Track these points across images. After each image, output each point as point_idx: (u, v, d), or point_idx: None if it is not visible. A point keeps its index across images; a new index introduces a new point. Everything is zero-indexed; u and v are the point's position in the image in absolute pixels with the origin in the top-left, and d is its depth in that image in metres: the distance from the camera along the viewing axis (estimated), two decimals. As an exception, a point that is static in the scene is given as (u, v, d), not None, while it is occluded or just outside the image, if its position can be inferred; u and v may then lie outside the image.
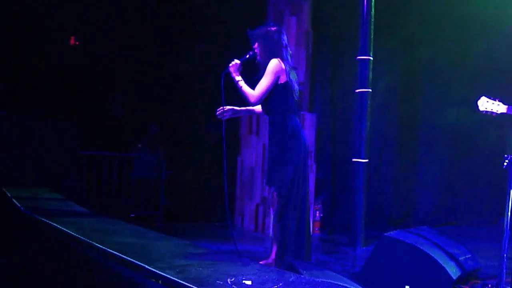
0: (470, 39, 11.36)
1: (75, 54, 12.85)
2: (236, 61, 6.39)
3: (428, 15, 11.50)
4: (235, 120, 10.59)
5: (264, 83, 6.28)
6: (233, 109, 6.65)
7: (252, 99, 6.32)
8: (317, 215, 10.73)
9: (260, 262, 6.20)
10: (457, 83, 11.57)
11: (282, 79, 6.32)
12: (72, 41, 13.21)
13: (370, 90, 9.42)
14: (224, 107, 6.55)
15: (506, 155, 5.51)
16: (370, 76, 9.42)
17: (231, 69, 6.36)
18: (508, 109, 5.89)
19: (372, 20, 9.43)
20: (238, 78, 6.36)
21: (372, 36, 9.44)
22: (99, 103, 13.10)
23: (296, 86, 6.47)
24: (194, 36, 12.43)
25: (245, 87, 6.33)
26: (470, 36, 11.34)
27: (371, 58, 9.44)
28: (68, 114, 11.88)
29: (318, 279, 4.12)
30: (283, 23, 10.34)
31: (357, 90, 9.49)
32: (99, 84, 12.79)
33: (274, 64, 6.29)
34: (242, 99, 6.46)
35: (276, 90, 6.35)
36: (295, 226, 6.29)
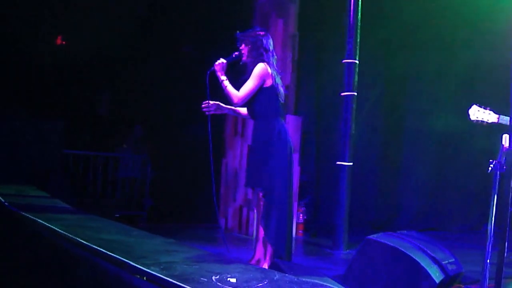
0: (457, 45, 11.43)
1: (61, 54, 12.81)
2: (222, 60, 6.46)
3: (416, 20, 11.53)
4: (220, 121, 10.60)
5: (249, 85, 6.37)
6: (218, 104, 6.67)
7: (235, 100, 6.38)
8: (301, 217, 10.73)
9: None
10: (444, 89, 11.65)
11: (268, 83, 6.42)
12: (59, 41, 13.18)
13: (355, 93, 9.44)
14: (209, 101, 6.58)
15: (491, 160, 5.54)
16: (356, 79, 9.44)
17: (217, 68, 6.42)
18: (498, 118, 5.94)
19: (359, 24, 9.46)
20: (223, 77, 6.42)
21: (358, 40, 9.47)
22: (85, 102, 13.06)
23: (281, 90, 6.54)
24: (180, 37, 12.42)
25: (230, 87, 6.39)
26: (458, 42, 11.41)
27: (357, 62, 9.46)
28: (54, 113, 11.84)
29: (302, 278, 4.14)
30: (270, 26, 10.33)
31: (342, 94, 9.52)
32: (85, 84, 12.75)
33: (260, 68, 6.37)
34: (226, 99, 6.50)
35: (262, 93, 6.44)
36: (280, 226, 6.33)
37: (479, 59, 11.23)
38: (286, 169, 6.41)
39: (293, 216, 6.73)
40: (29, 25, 11.92)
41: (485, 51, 10.91)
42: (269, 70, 6.40)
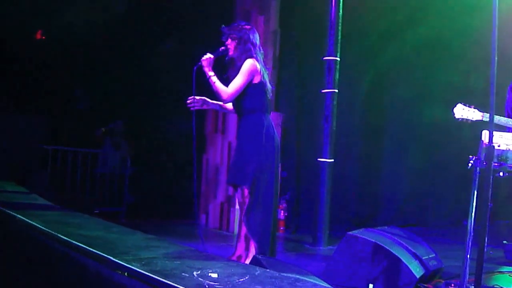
0: (444, 39, 11.47)
1: (41, 48, 12.73)
2: (209, 55, 6.32)
3: (400, 14, 11.54)
4: (200, 118, 10.56)
5: (238, 81, 6.27)
6: (204, 100, 6.57)
7: (225, 96, 6.28)
8: (282, 214, 10.73)
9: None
10: (425, 85, 11.67)
11: (257, 79, 6.34)
12: (38, 36, 13.10)
13: (336, 90, 9.46)
14: (195, 97, 6.51)
15: (470, 156, 5.56)
16: (337, 76, 9.46)
17: (204, 63, 6.28)
18: (483, 116, 5.97)
19: (340, 20, 9.47)
20: (211, 73, 6.29)
21: (339, 37, 9.48)
22: (65, 97, 12.99)
23: (269, 86, 6.48)
24: (161, 34, 12.38)
25: (218, 83, 6.28)
26: (444, 35, 11.45)
27: (338, 59, 9.48)
28: (33, 108, 11.77)
29: (283, 273, 4.14)
30: (251, 22, 10.28)
31: (323, 90, 9.53)
32: (65, 78, 12.67)
33: (249, 64, 6.29)
34: (214, 95, 6.42)
35: (251, 90, 6.35)
36: (266, 223, 6.32)
37: (465, 52, 11.29)
38: (273, 166, 6.39)
39: (277, 213, 6.69)
40: (9, 19, 11.83)
41: (472, 44, 10.95)
42: (258, 66, 6.34)
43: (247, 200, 6.33)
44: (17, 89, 12.23)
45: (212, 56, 6.34)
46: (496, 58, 4.43)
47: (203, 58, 6.30)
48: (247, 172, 6.31)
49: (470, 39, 11.06)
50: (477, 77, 10.90)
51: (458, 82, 11.28)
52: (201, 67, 6.29)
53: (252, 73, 6.30)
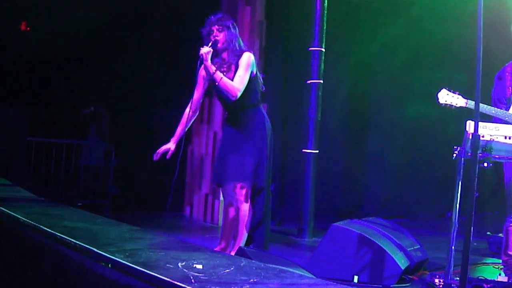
0: (428, 33, 11.51)
1: (24, 39, 12.64)
2: (208, 48, 5.98)
3: (385, 8, 11.56)
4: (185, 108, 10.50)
5: (243, 76, 6.07)
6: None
7: (235, 93, 6.03)
8: (266, 205, 10.70)
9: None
10: (409, 79, 11.70)
11: (253, 73, 6.22)
12: (23, 27, 13.00)
13: (321, 81, 9.46)
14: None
15: (455, 147, 5.56)
16: (322, 67, 9.46)
17: (206, 57, 5.94)
18: (466, 102, 5.95)
19: (326, 11, 9.47)
20: (213, 68, 6.01)
21: (325, 27, 9.48)
22: (48, 89, 12.89)
23: (261, 79, 6.39)
24: (147, 24, 12.31)
25: (226, 79, 6.03)
26: (428, 30, 11.49)
27: (323, 50, 9.48)
28: (16, 99, 11.69)
29: (268, 264, 4.13)
30: (237, 13, 10.29)
31: (308, 81, 9.52)
32: (49, 69, 12.58)
33: (248, 57, 6.15)
34: (221, 94, 6.22)
35: (251, 83, 6.19)
36: (261, 217, 6.29)
37: (451, 46, 11.33)
38: (267, 160, 6.28)
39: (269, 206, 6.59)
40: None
41: (456, 38, 11.00)
42: (254, 58, 6.24)
43: (242, 194, 6.20)
44: (2, 80, 12.12)
45: (211, 48, 5.99)
46: (481, 50, 4.40)
47: (203, 51, 5.95)
48: (248, 168, 6.16)
49: (454, 32, 11.11)
50: (460, 72, 10.93)
51: (441, 77, 11.32)
52: (203, 61, 5.96)
53: (251, 66, 6.15)
